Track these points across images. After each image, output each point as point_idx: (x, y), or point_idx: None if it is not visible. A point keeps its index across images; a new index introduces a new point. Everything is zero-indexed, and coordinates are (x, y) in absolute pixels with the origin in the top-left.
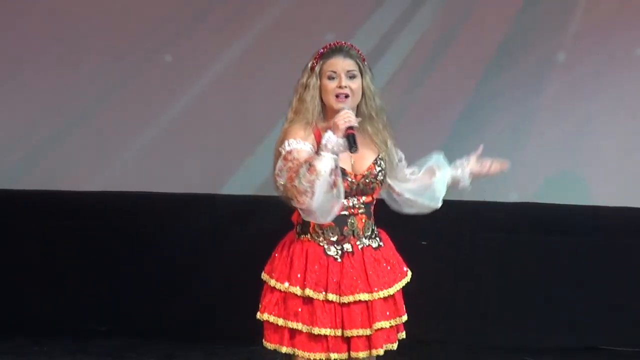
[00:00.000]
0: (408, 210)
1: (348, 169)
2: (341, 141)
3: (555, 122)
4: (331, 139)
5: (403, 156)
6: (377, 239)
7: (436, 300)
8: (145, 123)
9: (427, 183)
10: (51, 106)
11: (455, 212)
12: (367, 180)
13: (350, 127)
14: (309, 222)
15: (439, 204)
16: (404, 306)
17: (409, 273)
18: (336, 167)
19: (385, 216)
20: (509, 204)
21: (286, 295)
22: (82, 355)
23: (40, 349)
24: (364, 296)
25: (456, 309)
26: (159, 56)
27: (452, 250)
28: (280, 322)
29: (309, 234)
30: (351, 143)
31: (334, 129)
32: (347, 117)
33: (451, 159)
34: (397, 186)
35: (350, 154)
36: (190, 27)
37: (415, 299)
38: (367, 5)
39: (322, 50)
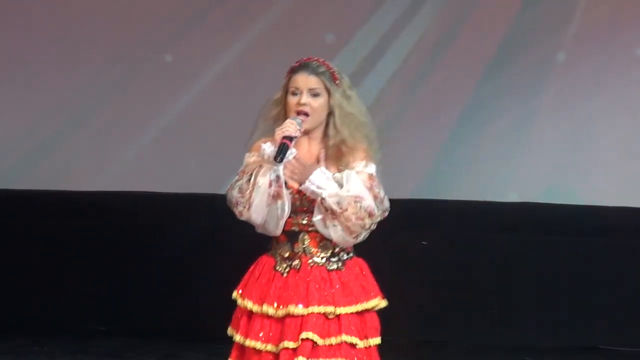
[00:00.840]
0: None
1: (295, 184)
2: (274, 152)
3: (555, 122)
4: (268, 148)
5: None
6: (339, 263)
7: (436, 300)
8: (146, 123)
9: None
10: (51, 106)
11: (455, 212)
12: (311, 198)
13: (288, 137)
14: (270, 237)
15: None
16: (359, 332)
17: (375, 301)
18: (278, 178)
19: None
20: (509, 203)
21: (240, 309)
22: (82, 355)
23: (41, 349)
24: (297, 310)
25: (456, 309)
26: (159, 56)
27: (452, 250)
28: (232, 333)
29: (272, 250)
30: (278, 152)
31: (274, 139)
32: (285, 127)
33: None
34: None
35: (277, 163)
36: (190, 27)
37: (416, 299)
38: (367, 5)
39: (293, 65)
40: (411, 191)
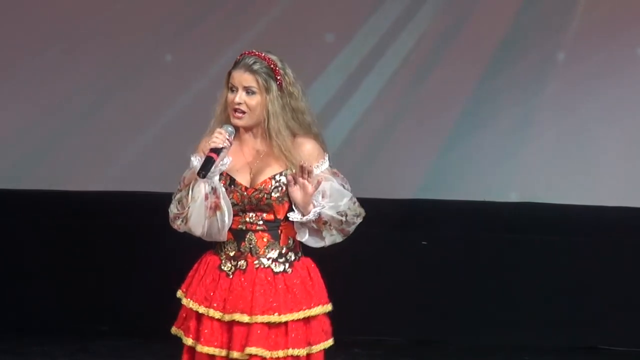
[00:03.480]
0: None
1: (243, 180)
2: (199, 166)
3: (555, 121)
4: (196, 162)
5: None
6: (286, 264)
7: (436, 300)
8: (146, 123)
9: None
10: (51, 106)
11: (456, 212)
12: (260, 195)
13: (214, 150)
14: None
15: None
16: (304, 341)
17: (320, 307)
18: (214, 189)
19: (386, 216)
20: (509, 203)
21: (188, 309)
22: (82, 355)
23: (41, 349)
24: (244, 317)
25: (456, 308)
26: (159, 56)
27: (452, 250)
28: (182, 337)
29: (216, 248)
30: (202, 167)
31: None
32: (214, 138)
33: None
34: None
35: (199, 177)
36: (190, 27)
37: (415, 298)
38: (368, 5)
39: (236, 59)
40: (411, 191)
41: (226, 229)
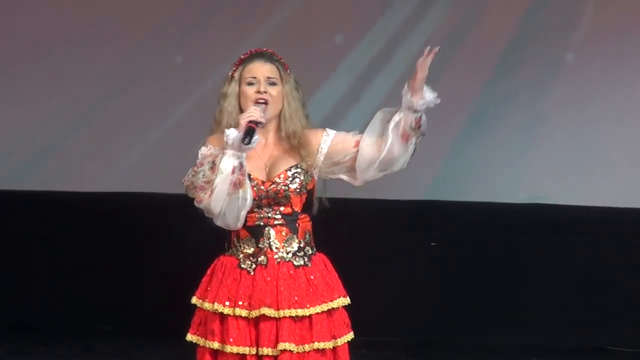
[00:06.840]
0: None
1: (259, 175)
2: (241, 136)
3: (564, 122)
4: (232, 133)
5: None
6: (305, 258)
7: (444, 301)
8: (155, 123)
9: (386, 156)
10: (59, 106)
11: (465, 212)
12: (278, 188)
13: (254, 122)
14: (230, 237)
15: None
16: (329, 334)
17: (341, 299)
18: (241, 165)
19: (395, 217)
20: (518, 204)
21: (206, 313)
22: (88, 354)
23: (47, 349)
24: (271, 312)
25: (464, 309)
26: (169, 57)
27: (461, 250)
28: (201, 342)
29: (230, 249)
30: (245, 135)
31: (239, 125)
32: (251, 112)
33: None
34: (361, 176)
35: (245, 146)
36: (200, 28)
37: (424, 299)
38: (376, 6)
39: (242, 57)
40: (420, 192)
41: (245, 210)
